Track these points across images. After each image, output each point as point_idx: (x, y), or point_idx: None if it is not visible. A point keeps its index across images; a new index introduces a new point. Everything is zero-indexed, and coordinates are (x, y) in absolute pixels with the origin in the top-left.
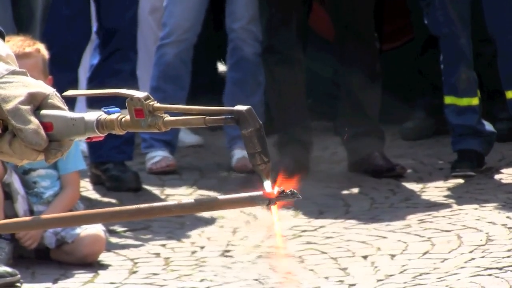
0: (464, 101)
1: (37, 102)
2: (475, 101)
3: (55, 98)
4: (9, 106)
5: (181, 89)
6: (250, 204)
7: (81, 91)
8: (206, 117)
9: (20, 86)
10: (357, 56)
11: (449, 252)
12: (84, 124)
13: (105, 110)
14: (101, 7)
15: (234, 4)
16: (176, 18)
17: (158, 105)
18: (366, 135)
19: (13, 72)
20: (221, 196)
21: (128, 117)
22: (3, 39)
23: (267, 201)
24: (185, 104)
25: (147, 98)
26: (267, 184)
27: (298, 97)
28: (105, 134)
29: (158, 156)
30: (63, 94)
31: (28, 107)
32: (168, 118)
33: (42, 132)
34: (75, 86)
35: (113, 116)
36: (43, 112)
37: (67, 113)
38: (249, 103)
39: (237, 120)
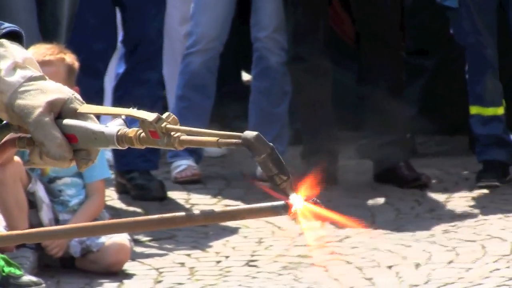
0: (490, 111)
1: (57, 109)
2: (500, 110)
3: (75, 101)
4: (30, 119)
5: (207, 98)
6: (272, 213)
7: (95, 109)
8: (219, 140)
9: (38, 93)
10: (383, 65)
11: (474, 262)
12: (105, 138)
13: (126, 119)
14: (127, 16)
15: (259, 13)
16: (202, 27)
17: (170, 126)
18: (392, 145)
19: (30, 79)
20: (243, 206)
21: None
22: (22, 42)
23: (289, 211)
24: (210, 113)
25: (158, 119)
26: (293, 197)
27: (324, 106)
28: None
29: (183, 165)
30: (77, 111)
31: (49, 118)
32: (183, 137)
33: (65, 144)
34: (101, 94)
35: (132, 133)
36: (66, 122)
37: (88, 124)
38: (275, 113)
39: (248, 147)
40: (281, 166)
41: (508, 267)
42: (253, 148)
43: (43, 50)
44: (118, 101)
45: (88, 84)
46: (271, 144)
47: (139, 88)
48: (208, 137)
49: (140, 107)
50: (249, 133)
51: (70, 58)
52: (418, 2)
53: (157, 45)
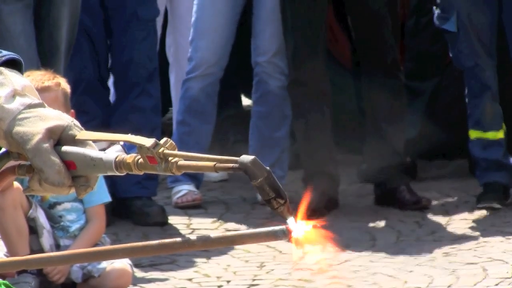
0: (490, 135)
1: (56, 136)
2: (500, 134)
3: (74, 128)
4: (29, 145)
5: (206, 123)
6: (272, 238)
7: (93, 135)
8: (216, 164)
9: (37, 120)
10: (383, 89)
11: (475, 285)
12: (104, 165)
13: (125, 145)
14: (114, 42)
15: (259, 38)
16: (201, 52)
17: (167, 151)
18: (392, 168)
19: (30, 106)
20: (242, 231)
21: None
22: (21, 69)
23: (289, 235)
24: (211, 138)
25: (155, 145)
26: (291, 220)
27: (324, 130)
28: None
29: (184, 190)
30: (76, 138)
31: (47, 144)
32: (181, 162)
33: (64, 171)
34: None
35: (130, 159)
36: (64, 149)
37: (86, 151)
38: (275, 137)
39: (245, 171)
40: (278, 190)
41: None
42: (250, 172)
43: (39, 77)
44: (114, 129)
45: (95, 106)
46: (267, 168)
47: (134, 116)
48: (205, 161)
49: (136, 135)
50: (246, 157)
51: (64, 82)
52: (417, 24)
53: (148, 70)
